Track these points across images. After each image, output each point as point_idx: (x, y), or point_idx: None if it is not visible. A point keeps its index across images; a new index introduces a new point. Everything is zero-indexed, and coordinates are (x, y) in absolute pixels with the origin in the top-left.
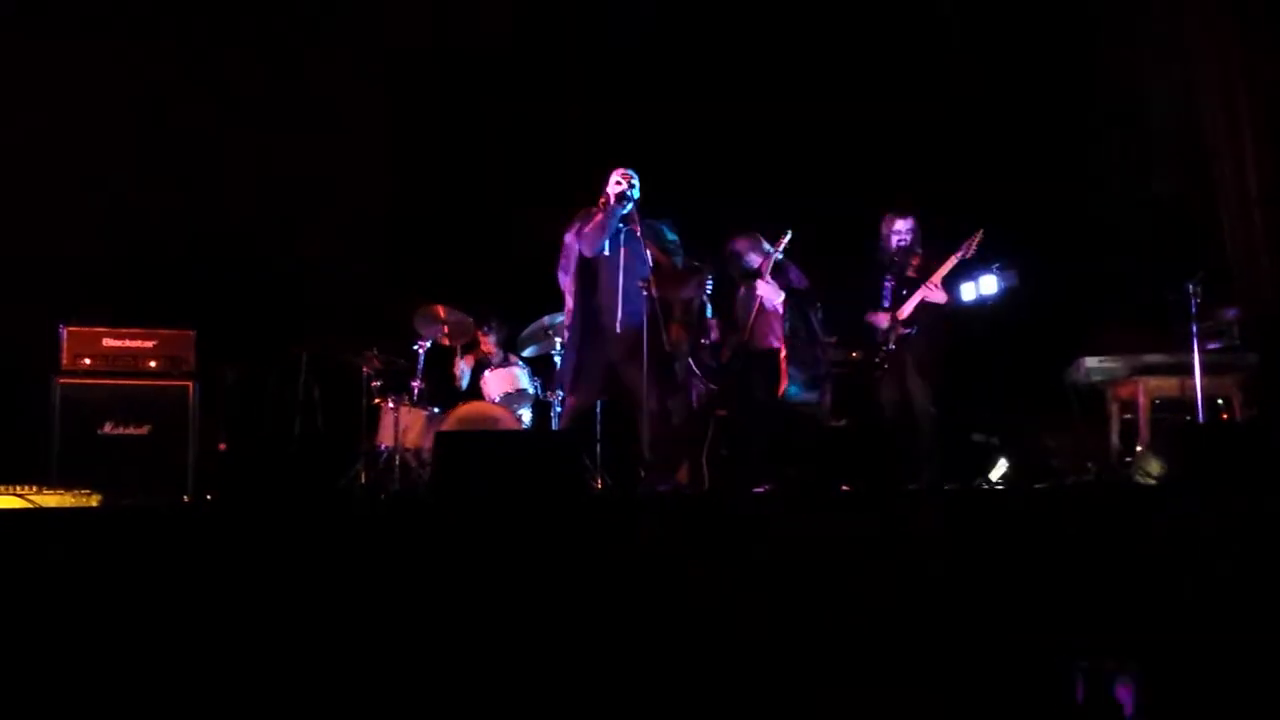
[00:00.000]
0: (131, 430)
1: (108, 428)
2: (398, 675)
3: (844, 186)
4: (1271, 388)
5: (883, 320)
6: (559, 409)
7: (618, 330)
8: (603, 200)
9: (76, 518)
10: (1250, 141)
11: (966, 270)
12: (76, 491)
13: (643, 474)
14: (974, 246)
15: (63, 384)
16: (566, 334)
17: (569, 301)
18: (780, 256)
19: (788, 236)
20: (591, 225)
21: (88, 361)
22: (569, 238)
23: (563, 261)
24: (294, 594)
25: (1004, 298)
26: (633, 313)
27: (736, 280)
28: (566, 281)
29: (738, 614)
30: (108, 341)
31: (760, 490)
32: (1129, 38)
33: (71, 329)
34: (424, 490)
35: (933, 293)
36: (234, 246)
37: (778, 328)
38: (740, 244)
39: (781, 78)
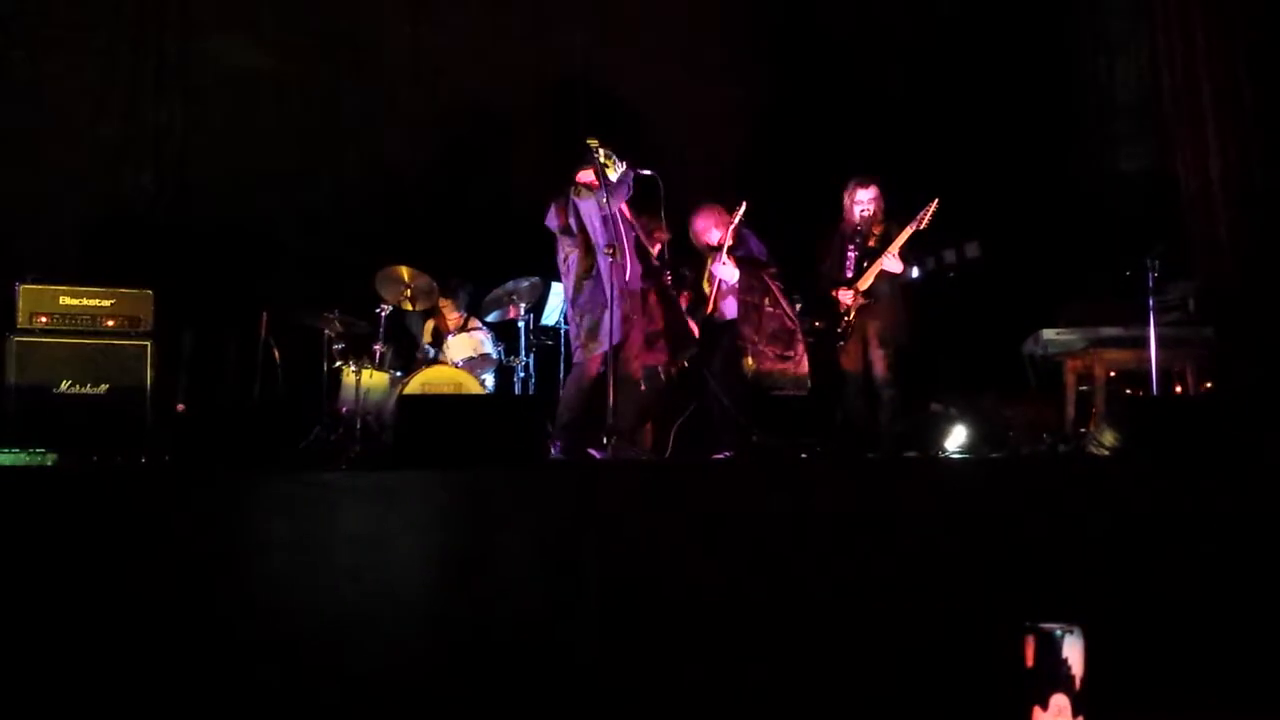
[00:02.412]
0: (88, 390)
1: (64, 387)
2: (350, 637)
3: (810, 156)
4: (1226, 362)
5: (844, 293)
6: (521, 375)
7: (629, 286)
8: (594, 169)
9: (32, 477)
10: (1211, 117)
11: (924, 241)
12: (32, 451)
13: (605, 440)
14: (928, 217)
15: (18, 342)
16: (598, 293)
17: (578, 260)
18: (737, 224)
19: (743, 208)
20: (619, 183)
21: (44, 320)
22: (586, 206)
23: (574, 222)
24: (249, 557)
25: (925, 283)
26: (637, 273)
27: (700, 255)
28: (569, 243)
29: (697, 578)
30: (65, 300)
31: (721, 457)
32: (1098, 14)
33: (27, 286)
34: (386, 454)
35: (891, 263)
36: (194, 206)
37: (738, 289)
38: (700, 221)
39: (750, 47)
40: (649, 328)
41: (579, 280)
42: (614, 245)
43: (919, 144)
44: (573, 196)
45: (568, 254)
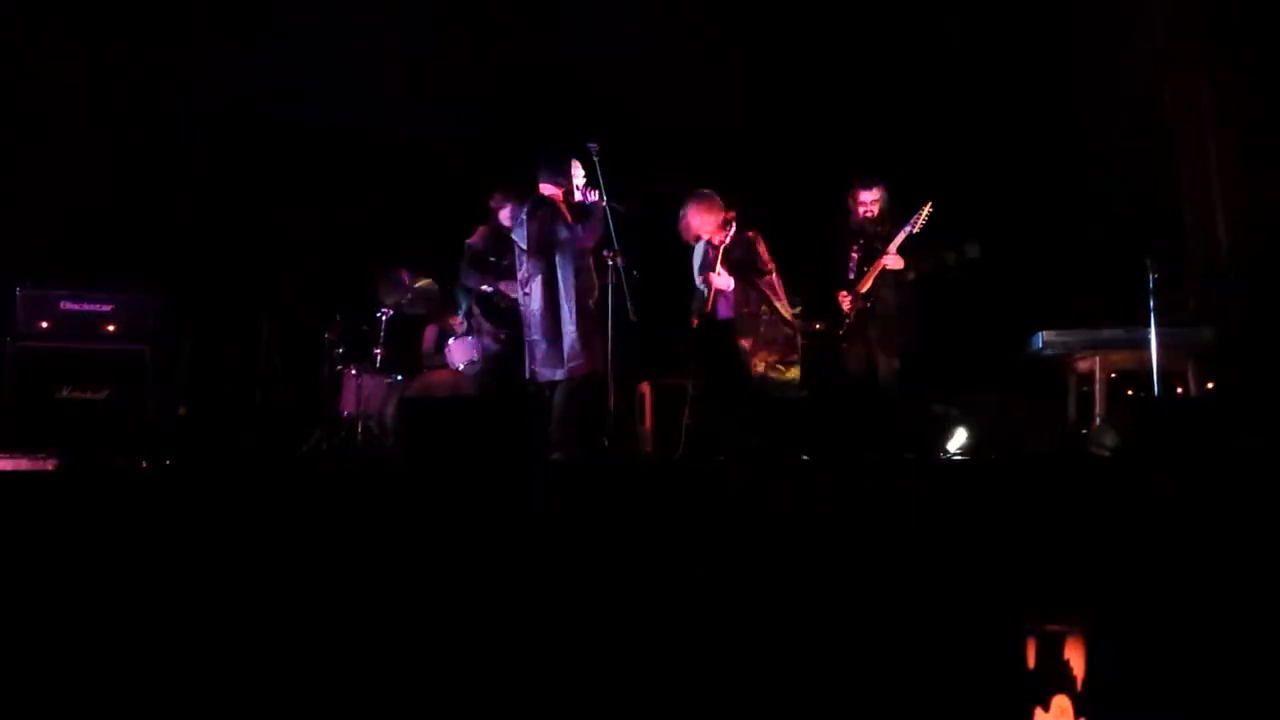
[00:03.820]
0: (89, 394)
1: (65, 391)
2: (354, 641)
3: (812, 157)
4: (1227, 364)
5: (845, 295)
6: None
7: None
8: (560, 186)
9: (32, 481)
10: (1211, 120)
11: (922, 243)
12: (33, 455)
13: (606, 442)
14: (922, 220)
15: (19, 346)
16: (581, 315)
17: (543, 285)
18: (734, 230)
19: (732, 228)
20: (593, 226)
21: (45, 324)
22: (570, 232)
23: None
24: (251, 561)
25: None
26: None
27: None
28: (534, 266)
29: (695, 578)
30: (65, 304)
31: (720, 458)
32: (1097, 23)
33: (28, 291)
34: (387, 457)
35: (892, 260)
36: (195, 210)
37: (734, 299)
38: (694, 215)
39: (751, 50)
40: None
41: (550, 301)
42: (615, 249)
43: (920, 145)
44: (548, 219)
45: (530, 275)
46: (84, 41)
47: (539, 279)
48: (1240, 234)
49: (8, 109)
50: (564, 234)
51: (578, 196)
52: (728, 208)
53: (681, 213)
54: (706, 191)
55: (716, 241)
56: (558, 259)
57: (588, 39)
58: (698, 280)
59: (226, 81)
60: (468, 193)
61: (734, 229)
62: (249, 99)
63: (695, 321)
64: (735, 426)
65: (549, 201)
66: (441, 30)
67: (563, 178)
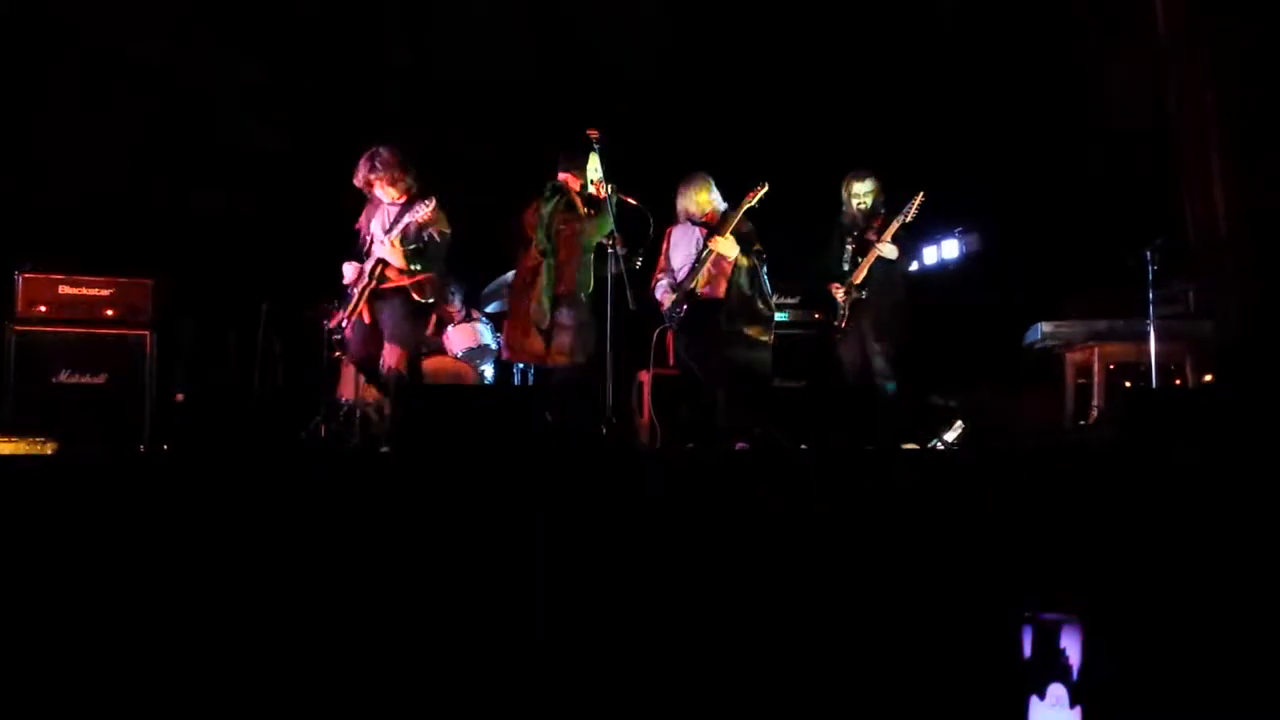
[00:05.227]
0: (87, 379)
1: (63, 376)
2: (352, 628)
3: (808, 147)
4: (1225, 356)
5: (839, 287)
6: (520, 366)
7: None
8: (573, 175)
9: (30, 465)
10: (1212, 112)
11: (920, 233)
12: (31, 439)
13: (604, 431)
14: (913, 209)
15: (18, 331)
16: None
17: (549, 271)
18: (755, 205)
19: (763, 189)
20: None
21: (43, 309)
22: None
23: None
24: (249, 547)
25: (964, 262)
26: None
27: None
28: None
29: (692, 570)
30: (64, 289)
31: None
32: (1098, 20)
33: (27, 276)
34: (385, 444)
35: (887, 250)
36: (194, 195)
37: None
38: (692, 193)
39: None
40: None
41: (551, 289)
42: (615, 236)
43: (918, 137)
44: (561, 207)
45: (535, 264)
46: (83, 30)
47: (542, 265)
48: (1240, 227)
49: (7, 95)
50: (574, 224)
51: (591, 190)
52: (749, 189)
53: (681, 193)
54: (700, 173)
55: (706, 218)
56: (564, 247)
57: (587, 31)
58: (679, 258)
59: (225, 70)
60: (470, 184)
61: (763, 190)
62: (249, 88)
63: (665, 304)
64: (734, 417)
65: (564, 189)
66: (446, 14)
67: (579, 170)
